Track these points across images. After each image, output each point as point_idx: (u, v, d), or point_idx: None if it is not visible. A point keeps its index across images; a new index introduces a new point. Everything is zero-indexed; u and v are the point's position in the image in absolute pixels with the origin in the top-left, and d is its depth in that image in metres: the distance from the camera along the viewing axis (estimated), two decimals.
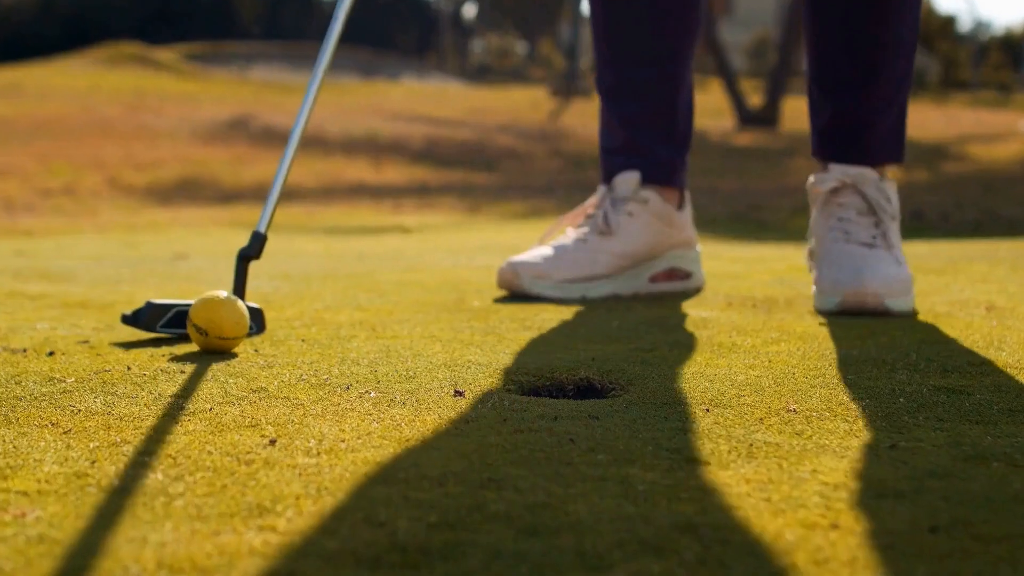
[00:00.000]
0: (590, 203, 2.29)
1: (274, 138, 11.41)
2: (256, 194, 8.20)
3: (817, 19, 2.10)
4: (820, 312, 1.95)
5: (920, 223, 5.69)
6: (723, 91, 15.41)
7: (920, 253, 3.26)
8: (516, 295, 2.16)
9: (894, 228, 2.05)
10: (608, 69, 2.28)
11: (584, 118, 14.94)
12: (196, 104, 14.24)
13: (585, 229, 2.24)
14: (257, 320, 1.73)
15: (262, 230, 1.71)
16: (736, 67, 17.98)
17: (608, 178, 2.28)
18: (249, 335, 1.69)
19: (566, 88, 18.67)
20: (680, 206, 2.29)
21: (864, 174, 2.06)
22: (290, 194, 8.25)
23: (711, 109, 15.94)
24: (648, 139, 2.25)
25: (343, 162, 10.38)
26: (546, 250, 2.21)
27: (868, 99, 2.07)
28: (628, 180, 2.24)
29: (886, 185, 2.06)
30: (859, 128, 2.08)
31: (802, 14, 2.17)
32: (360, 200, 7.92)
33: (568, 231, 2.27)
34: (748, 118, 14.51)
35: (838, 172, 2.07)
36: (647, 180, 2.25)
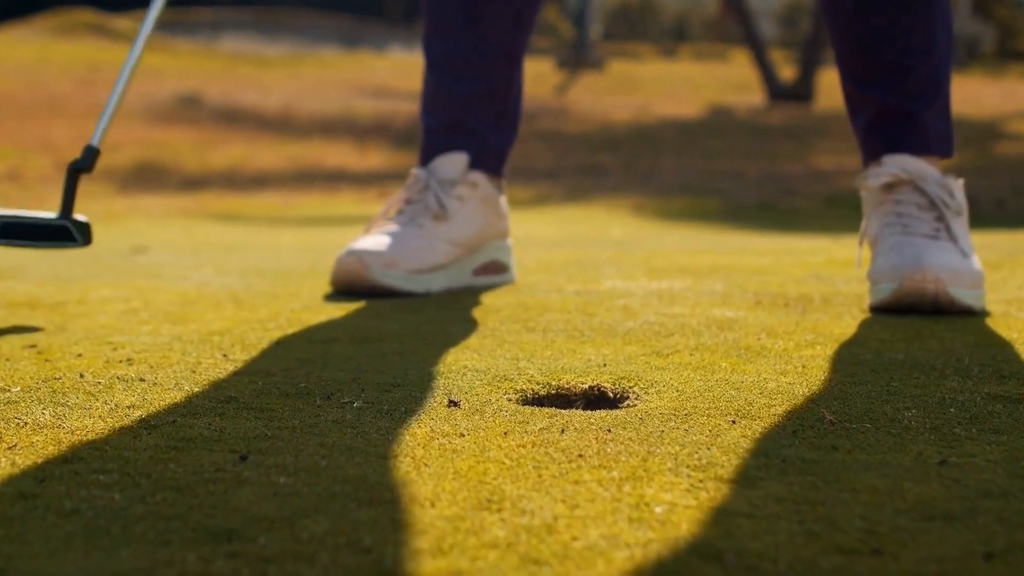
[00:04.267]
0: (409, 188, 2.29)
1: (245, 117, 11.41)
2: (226, 180, 8.21)
3: (836, 14, 2.11)
4: (875, 308, 1.93)
5: (972, 211, 5.68)
6: (750, 63, 15.41)
7: (973, 245, 3.26)
8: (358, 292, 2.12)
9: (959, 223, 2.03)
10: (439, 36, 2.31)
11: (595, 93, 14.94)
12: (157, 79, 14.24)
13: (407, 215, 2.24)
14: (83, 232, 1.87)
15: (95, 143, 1.91)
16: (765, 35, 17.98)
17: (428, 159, 2.30)
18: (74, 247, 1.86)
19: (574, 60, 18.66)
20: (500, 192, 2.36)
21: (922, 170, 2.03)
22: (262, 181, 8.25)
23: (737, 83, 15.94)
24: (478, 122, 2.30)
25: (322, 145, 10.38)
26: (383, 237, 2.19)
27: (911, 87, 2.06)
28: (455, 161, 2.27)
29: (948, 181, 2.05)
30: (908, 116, 2.07)
31: (820, 10, 2.19)
32: (341, 187, 7.92)
33: (387, 222, 2.26)
34: (779, 93, 14.50)
35: (893, 166, 2.04)
36: (475, 165, 2.30)
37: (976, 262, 1.99)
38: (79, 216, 1.89)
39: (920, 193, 2.02)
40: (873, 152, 2.10)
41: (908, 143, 2.06)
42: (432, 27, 2.33)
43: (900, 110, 2.07)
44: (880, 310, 1.93)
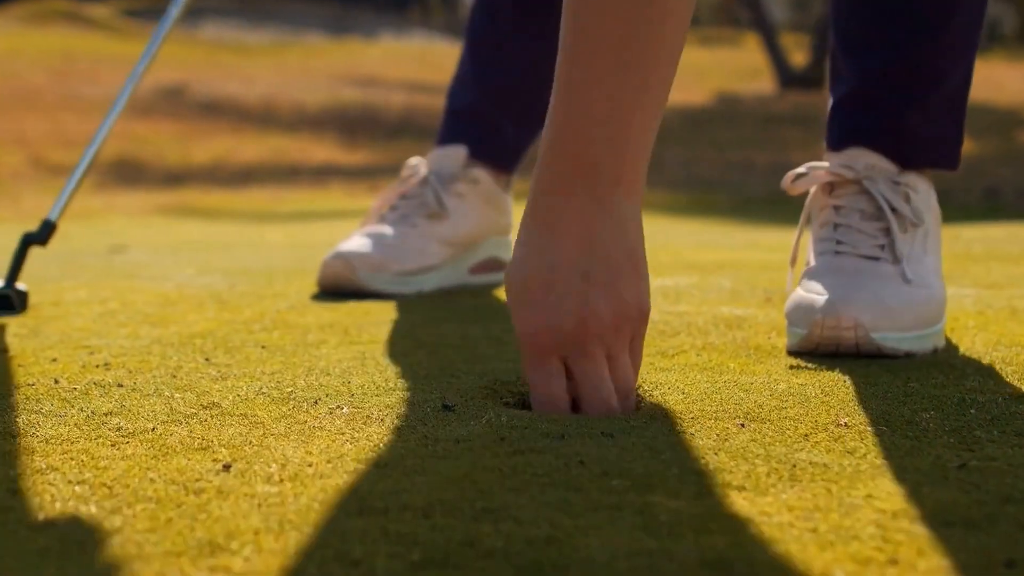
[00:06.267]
0: (405, 182, 2.28)
1: (228, 109, 11.41)
2: (209, 175, 8.21)
3: None
4: (790, 353, 1.60)
5: (994, 202, 5.68)
6: (760, 47, 15.41)
7: (995, 237, 3.26)
8: (345, 293, 2.12)
9: (908, 239, 1.64)
10: (488, 19, 2.29)
11: None
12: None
13: (400, 212, 2.24)
14: (22, 301, 1.95)
15: (53, 218, 1.97)
16: (776, 19, 17.98)
17: (442, 143, 2.29)
18: (10, 315, 1.91)
19: None
20: (505, 188, 2.35)
21: (874, 165, 1.66)
22: (247, 175, 8.26)
23: (746, 69, 15.94)
24: (501, 113, 2.27)
25: (309, 137, 10.38)
26: (371, 238, 2.20)
27: (908, 70, 1.69)
28: (453, 155, 2.26)
29: (910, 179, 1.67)
30: (885, 106, 1.70)
31: None
32: (330, 182, 7.92)
33: (379, 220, 2.27)
34: (790, 79, 14.51)
35: (837, 161, 1.68)
36: (484, 157, 2.27)
37: (929, 289, 1.62)
38: (20, 285, 1.96)
39: (867, 197, 1.65)
40: (835, 135, 1.73)
41: (881, 135, 1.69)
42: (482, 9, 2.30)
43: (878, 95, 1.71)
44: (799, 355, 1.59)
